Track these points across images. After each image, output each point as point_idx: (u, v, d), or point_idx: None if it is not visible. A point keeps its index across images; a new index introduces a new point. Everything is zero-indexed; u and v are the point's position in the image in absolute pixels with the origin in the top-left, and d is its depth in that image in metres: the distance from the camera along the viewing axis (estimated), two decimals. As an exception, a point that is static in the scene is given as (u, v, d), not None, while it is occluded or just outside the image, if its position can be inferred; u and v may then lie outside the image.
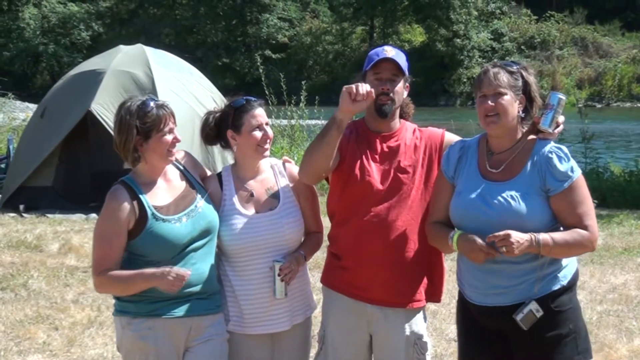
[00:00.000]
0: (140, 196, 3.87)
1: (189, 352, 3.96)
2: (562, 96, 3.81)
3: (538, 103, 3.83)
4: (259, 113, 4.10)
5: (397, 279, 4.05)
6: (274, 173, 4.19)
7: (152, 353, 3.87)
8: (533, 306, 3.70)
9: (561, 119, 3.84)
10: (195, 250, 3.93)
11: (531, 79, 3.83)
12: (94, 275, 3.91)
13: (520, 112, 3.80)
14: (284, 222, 4.08)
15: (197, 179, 4.09)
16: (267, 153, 4.13)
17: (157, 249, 3.85)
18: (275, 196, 4.13)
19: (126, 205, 3.83)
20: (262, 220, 4.06)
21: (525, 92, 3.81)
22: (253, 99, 4.16)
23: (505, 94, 3.76)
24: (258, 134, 4.06)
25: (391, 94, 4.04)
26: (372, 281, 4.06)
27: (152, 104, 3.85)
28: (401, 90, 4.09)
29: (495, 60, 3.74)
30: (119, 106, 3.91)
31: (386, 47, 4.13)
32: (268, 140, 4.09)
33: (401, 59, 4.07)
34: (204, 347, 3.97)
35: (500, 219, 3.68)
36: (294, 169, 4.24)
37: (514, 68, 3.82)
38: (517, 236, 3.62)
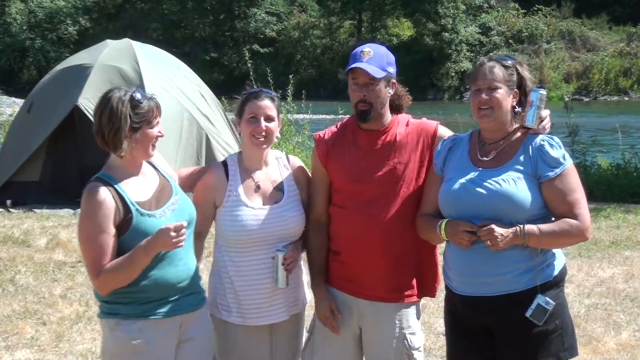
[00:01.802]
0: (121, 193, 3.76)
1: (178, 348, 3.92)
2: (542, 91, 3.80)
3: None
4: (262, 104, 4.10)
5: (388, 274, 4.06)
6: (279, 165, 4.22)
7: (144, 354, 3.78)
8: (541, 300, 3.69)
9: (545, 112, 3.84)
10: (186, 247, 3.85)
11: (526, 74, 3.84)
12: (93, 279, 3.75)
13: (516, 107, 3.82)
14: (289, 215, 4.11)
15: (164, 171, 4.02)
16: (265, 146, 4.13)
17: None
18: (279, 189, 4.16)
19: (109, 202, 3.71)
20: (268, 212, 4.09)
21: (520, 87, 3.82)
22: (266, 91, 4.18)
23: (500, 87, 3.77)
24: (252, 123, 4.06)
25: (367, 100, 4.02)
26: (363, 275, 4.08)
27: (140, 95, 3.78)
28: (381, 91, 4.04)
29: (492, 54, 3.73)
30: (106, 96, 3.79)
31: (365, 49, 4.06)
32: (262, 133, 4.08)
33: (377, 62, 4.01)
34: (193, 344, 3.95)
35: (490, 201, 3.70)
36: (297, 162, 4.30)
37: (509, 62, 3.82)
38: (500, 229, 3.63)
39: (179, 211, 3.87)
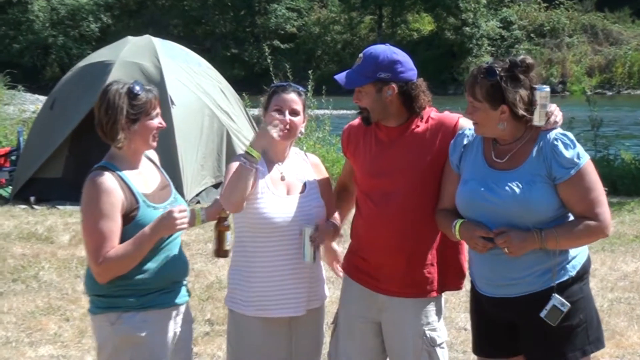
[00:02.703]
0: (128, 182, 3.81)
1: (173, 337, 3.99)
2: (545, 89, 3.68)
3: (519, 111, 3.66)
4: (288, 98, 4.12)
5: (405, 269, 4.05)
6: (298, 159, 4.27)
7: (147, 345, 3.82)
8: (556, 301, 3.66)
9: (551, 107, 3.74)
10: (176, 239, 3.95)
11: (508, 94, 3.62)
12: (94, 266, 3.75)
13: (524, 113, 3.66)
14: (313, 205, 4.15)
15: (164, 171, 4.10)
16: (287, 139, 4.13)
17: None
18: (302, 180, 4.19)
19: (117, 190, 3.74)
20: (294, 201, 4.11)
21: (507, 102, 3.65)
22: (294, 85, 4.20)
23: (478, 108, 3.69)
24: (275, 115, 4.08)
25: (361, 105, 4.04)
26: (380, 270, 4.08)
27: (138, 87, 3.83)
28: (369, 98, 4.00)
29: (489, 61, 3.59)
30: (105, 89, 3.84)
31: (361, 54, 4.05)
32: (286, 125, 4.08)
33: (364, 68, 3.98)
34: (182, 334, 4.04)
35: (506, 207, 3.66)
36: (315, 159, 4.36)
37: (495, 78, 3.64)
38: (518, 236, 3.60)
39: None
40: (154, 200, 3.86)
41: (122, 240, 3.75)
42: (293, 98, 4.13)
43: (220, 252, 4.21)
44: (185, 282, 4.06)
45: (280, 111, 4.09)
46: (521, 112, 3.66)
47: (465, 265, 4.17)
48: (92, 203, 3.74)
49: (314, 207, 4.16)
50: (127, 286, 3.80)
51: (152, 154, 4.11)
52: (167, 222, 3.73)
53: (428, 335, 4.09)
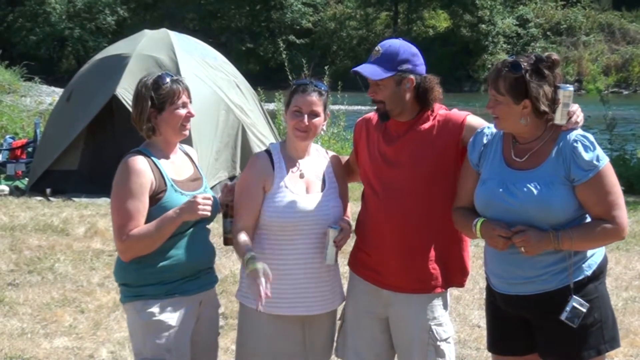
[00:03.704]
0: (159, 166, 3.95)
1: (196, 325, 4.09)
2: (568, 88, 3.68)
3: (542, 107, 3.66)
4: (308, 100, 4.09)
5: (410, 266, 4.06)
6: (319, 157, 4.26)
7: (171, 331, 3.93)
8: (576, 302, 3.66)
9: (574, 107, 3.73)
10: (200, 227, 4.05)
11: (531, 88, 3.63)
12: (118, 243, 3.90)
13: (545, 108, 3.65)
14: (331, 205, 4.14)
15: (200, 167, 4.23)
16: (306, 140, 4.14)
17: None
18: (321, 179, 4.18)
19: (147, 172, 3.89)
20: (312, 199, 4.11)
21: (530, 97, 3.66)
22: (315, 83, 4.14)
23: (501, 102, 3.69)
24: (296, 117, 4.09)
25: (378, 99, 4.03)
26: (385, 267, 4.10)
27: (167, 78, 4.00)
28: (389, 91, 4.00)
29: (512, 56, 3.60)
30: (138, 81, 4.05)
31: (377, 47, 4.04)
32: (304, 127, 4.08)
33: (385, 62, 3.98)
34: (208, 320, 4.17)
35: (524, 208, 3.66)
36: (336, 157, 4.34)
37: (520, 72, 3.64)
38: (535, 236, 3.59)
39: None
40: (182, 187, 3.98)
41: (147, 221, 3.87)
42: (313, 100, 4.09)
43: (224, 240, 4.24)
44: (211, 270, 4.17)
45: (300, 112, 4.08)
46: (543, 107, 3.66)
47: (469, 263, 4.20)
48: (122, 183, 3.88)
49: (332, 207, 4.14)
50: (152, 274, 3.92)
51: (191, 150, 4.29)
52: (190, 206, 3.84)
53: (434, 330, 4.09)
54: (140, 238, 3.84)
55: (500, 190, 3.73)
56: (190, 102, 4.07)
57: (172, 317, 3.94)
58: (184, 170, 4.10)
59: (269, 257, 4.09)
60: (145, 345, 3.95)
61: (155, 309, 3.92)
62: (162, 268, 3.92)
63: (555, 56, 3.72)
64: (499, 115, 3.73)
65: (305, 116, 4.07)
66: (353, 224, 4.27)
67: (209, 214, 3.90)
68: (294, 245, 4.09)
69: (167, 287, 3.94)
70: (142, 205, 3.86)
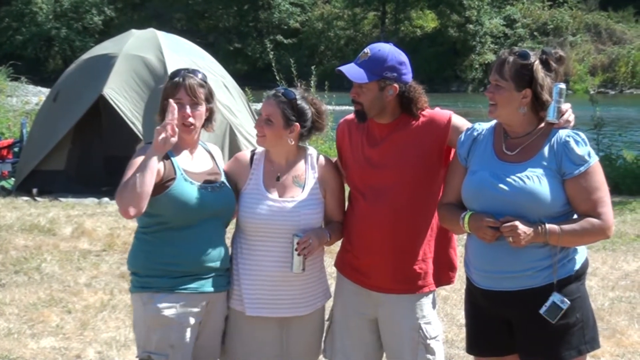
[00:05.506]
0: (169, 154, 3.94)
1: (201, 326, 4.04)
2: (561, 85, 3.73)
3: (544, 95, 3.71)
4: (263, 106, 4.16)
5: (396, 266, 4.06)
6: (306, 163, 4.21)
7: (175, 327, 3.92)
8: (556, 298, 3.67)
9: (566, 106, 3.77)
10: (213, 224, 4.01)
11: (539, 75, 3.69)
12: (116, 196, 3.83)
13: (547, 97, 3.70)
14: (302, 212, 4.08)
15: (220, 164, 4.19)
16: (264, 144, 4.14)
17: (178, 209, 3.91)
18: (300, 185, 4.15)
19: (158, 158, 3.84)
20: (283, 205, 4.07)
21: (532, 86, 3.70)
22: (280, 90, 4.19)
23: (503, 87, 3.71)
24: (257, 123, 4.19)
25: (358, 100, 4.02)
26: (373, 269, 4.10)
27: (178, 74, 4.01)
28: (370, 95, 3.99)
29: (514, 47, 3.64)
30: None
31: (366, 49, 4.04)
32: (259, 133, 4.13)
33: (371, 66, 3.97)
34: (213, 323, 4.09)
35: (514, 198, 3.67)
36: (328, 162, 4.28)
37: (528, 60, 3.70)
38: (523, 227, 3.61)
39: (221, 194, 4.02)
40: (193, 178, 3.97)
41: (156, 210, 3.88)
42: (266, 106, 4.15)
43: None
44: (223, 274, 4.09)
45: (260, 119, 4.13)
46: (546, 96, 3.70)
47: (456, 259, 4.21)
48: (131, 160, 3.87)
49: (303, 214, 4.08)
50: (160, 266, 3.93)
51: (215, 149, 4.25)
52: (155, 137, 3.80)
53: (424, 329, 4.11)
54: (124, 184, 3.77)
55: (491, 179, 3.74)
56: (199, 101, 3.99)
57: (177, 314, 3.92)
58: (201, 164, 4.07)
59: (246, 257, 4.09)
60: (149, 339, 3.94)
61: (160, 304, 3.90)
62: (170, 261, 3.90)
63: (562, 53, 3.80)
64: (498, 102, 3.74)
65: (262, 121, 4.11)
66: None
67: (174, 139, 3.82)
68: (267, 248, 4.07)
69: (173, 281, 3.93)
70: (150, 173, 3.77)
